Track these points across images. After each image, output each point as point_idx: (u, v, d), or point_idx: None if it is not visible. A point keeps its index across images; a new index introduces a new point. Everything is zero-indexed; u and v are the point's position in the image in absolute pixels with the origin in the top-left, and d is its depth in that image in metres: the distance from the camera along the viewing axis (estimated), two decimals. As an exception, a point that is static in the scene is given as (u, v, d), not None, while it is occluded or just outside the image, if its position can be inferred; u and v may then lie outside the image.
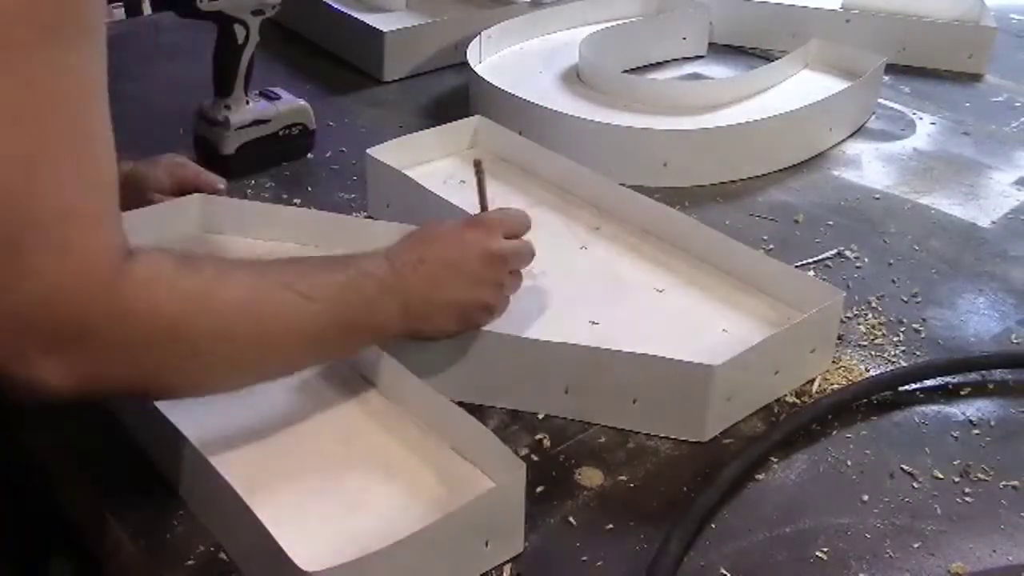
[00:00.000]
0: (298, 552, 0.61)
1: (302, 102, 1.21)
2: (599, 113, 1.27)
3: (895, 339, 0.94)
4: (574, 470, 0.78)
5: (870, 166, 1.26)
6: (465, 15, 1.53)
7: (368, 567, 0.62)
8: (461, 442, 0.76)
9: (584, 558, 0.71)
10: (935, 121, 1.38)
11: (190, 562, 0.69)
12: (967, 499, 0.77)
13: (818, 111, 1.25)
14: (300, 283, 0.69)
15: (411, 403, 0.79)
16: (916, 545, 0.73)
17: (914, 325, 0.96)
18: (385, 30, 1.42)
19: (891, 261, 1.06)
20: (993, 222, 1.14)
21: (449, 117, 1.20)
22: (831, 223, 1.12)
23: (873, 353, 0.92)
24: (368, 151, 1.08)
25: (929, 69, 1.53)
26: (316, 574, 0.60)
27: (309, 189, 1.15)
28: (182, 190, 1.04)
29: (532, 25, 1.52)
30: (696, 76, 1.49)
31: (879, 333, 0.95)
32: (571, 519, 0.74)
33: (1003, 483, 0.79)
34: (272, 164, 1.19)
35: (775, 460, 0.80)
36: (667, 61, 1.53)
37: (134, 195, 1.03)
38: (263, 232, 0.99)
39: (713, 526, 0.74)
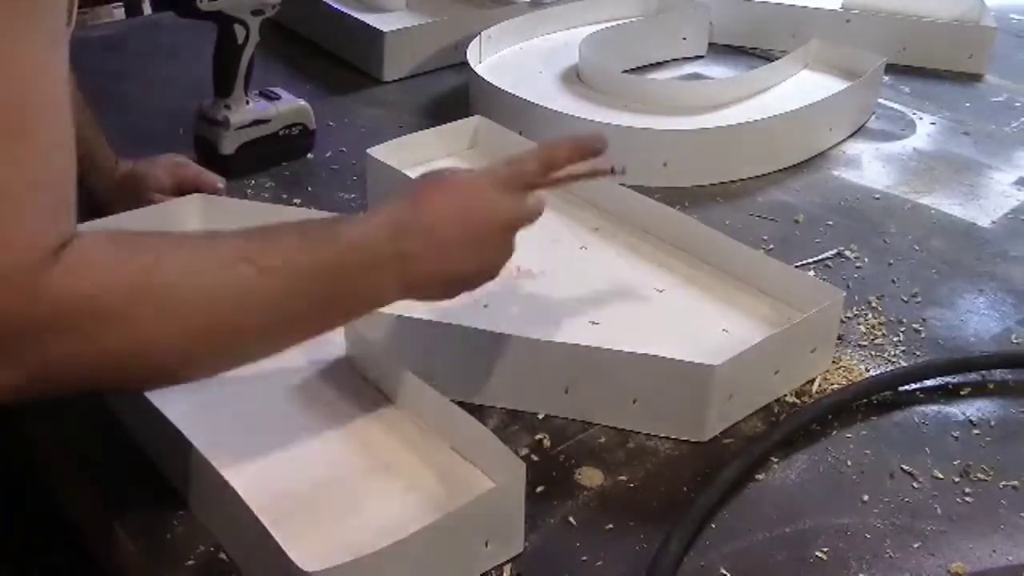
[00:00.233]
0: (298, 552, 0.61)
1: (302, 102, 1.21)
2: (599, 113, 1.27)
3: (895, 339, 0.94)
4: (574, 470, 0.78)
5: (870, 166, 1.26)
6: (465, 15, 1.53)
7: (368, 567, 0.62)
8: (461, 442, 0.76)
9: (584, 558, 0.71)
10: (935, 121, 1.38)
11: (190, 562, 0.69)
12: (967, 499, 0.77)
13: (818, 111, 1.25)
14: (260, 255, 0.62)
15: (411, 403, 0.79)
16: (916, 545, 0.73)
17: (914, 325, 0.96)
18: (385, 30, 1.42)
19: (891, 261, 1.06)
20: (993, 222, 1.14)
21: (449, 117, 1.20)
22: (831, 223, 1.12)
23: (873, 353, 0.92)
24: (368, 151, 1.08)
25: (929, 69, 1.53)
26: (316, 574, 0.60)
27: (309, 189, 1.15)
28: (182, 190, 1.04)
29: (532, 25, 1.52)
30: (696, 76, 1.49)
31: (879, 333, 0.95)
32: (571, 519, 0.74)
33: (1003, 483, 0.79)
34: (272, 164, 1.19)
35: (775, 460, 0.80)
36: (667, 61, 1.53)
37: (134, 195, 1.03)
38: (263, 232, 0.99)
39: (713, 526, 0.74)
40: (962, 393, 0.88)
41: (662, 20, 1.55)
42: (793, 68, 1.43)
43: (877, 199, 1.18)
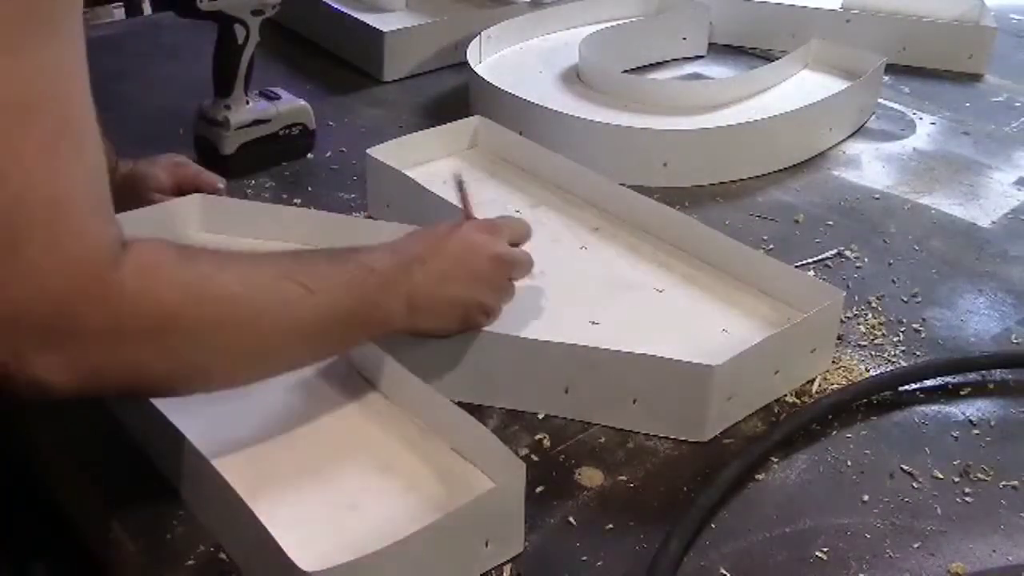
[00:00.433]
0: (298, 552, 0.61)
1: (302, 102, 1.21)
2: (599, 113, 1.27)
3: (895, 339, 0.94)
4: (574, 470, 0.78)
5: (870, 166, 1.26)
6: (465, 15, 1.53)
7: (368, 567, 0.62)
8: (461, 442, 0.76)
9: (584, 558, 0.71)
10: (935, 121, 1.38)
11: (190, 562, 0.69)
12: (967, 499, 0.77)
13: (818, 111, 1.25)
14: (300, 274, 0.68)
15: (411, 403, 0.79)
16: (916, 545, 0.73)
17: (914, 325, 0.96)
18: (385, 30, 1.42)
19: (891, 261, 1.06)
20: (993, 222, 1.14)
21: (449, 117, 1.20)
22: (831, 223, 1.12)
23: (873, 353, 0.92)
24: (368, 151, 1.08)
25: (929, 69, 1.53)
26: (316, 574, 0.60)
27: (309, 189, 1.15)
28: (182, 190, 1.04)
29: (532, 25, 1.52)
30: (696, 76, 1.49)
31: (879, 333, 0.95)
32: (571, 519, 0.74)
33: (1003, 483, 0.79)
34: (272, 164, 1.19)
35: (775, 460, 0.80)
36: (667, 61, 1.53)
37: (134, 195, 1.03)
38: (263, 232, 0.99)
39: (713, 526, 0.74)
40: (962, 393, 0.88)
41: (662, 20, 1.55)
42: (793, 68, 1.43)
43: (877, 199, 1.18)
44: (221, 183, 1.07)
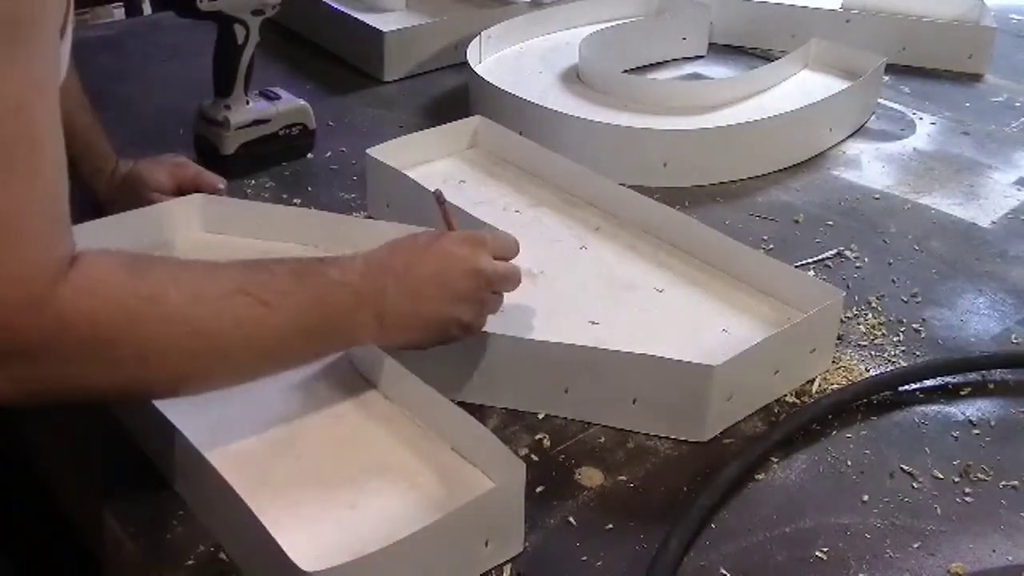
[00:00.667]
0: (298, 552, 0.61)
1: (302, 102, 1.21)
2: (599, 113, 1.27)
3: (895, 339, 0.94)
4: (574, 470, 0.78)
5: (870, 166, 1.26)
6: (465, 15, 1.54)
7: (368, 567, 0.62)
8: (461, 442, 0.76)
9: (584, 558, 0.71)
10: (935, 121, 1.38)
11: (190, 562, 0.69)
12: (967, 499, 0.77)
13: (818, 111, 1.25)
14: (258, 289, 0.66)
15: (411, 403, 0.79)
16: (916, 545, 0.73)
17: (914, 325, 0.96)
18: (385, 30, 1.42)
19: (891, 261, 1.06)
20: (993, 222, 1.15)
21: (449, 117, 1.20)
22: (831, 223, 1.12)
23: (873, 353, 0.92)
24: (368, 151, 1.08)
25: (929, 69, 1.53)
26: (316, 574, 0.60)
27: (309, 189, 1.15)
28: (182, 190, 1.04)
29: (532, 25, 1.52)
30: (696, 76, 1.49)
31: (879, 333, 0.95)
32: (571, 519, 0.74)
33: (1003, 483, 0.79)
34: (272, 164, 1.19)
35: (775, 460, 0.80)
36: (667, 61, 1.53)
37: (134, 195, 1.03)
38: (263, 232, 0.99)
39: (713, 526, 0.74)
40: (962, 393, 0.88)
41: (662, 20, 1.55)
42: (793, 68, 1.43)
43: (877, 199, 1.18)
44: (221, 183, 1.07)
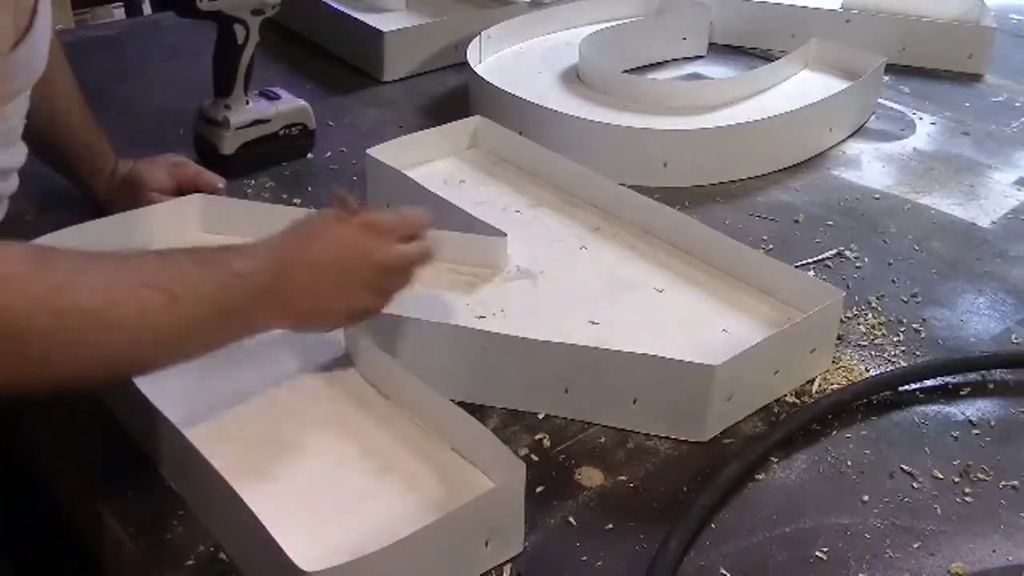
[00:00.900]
0: (298, 552, 0.61)
1: (302, 102, 1.21)
2: (599, 113, 1.27)
3: (895, 339, 0.94)
4: (574, 470, 0.78)
5: (870, 166, 1.26)
6: (465, 15, 1.54)
7: (368, 567, 0.62)
8: (461, 442, 0.76)
9: (584, 558, 0.71)
10: (935, 121, 1.38)
11: (190, 562, 0.69)
12: (967, 499, 0.77)
13: (818, 111, 1.25)
14: (165, 280, 0.67)
15: (411, 403, 0.79)
16: (916, 545, 0.73)
17: (914, 325, 0.96)
18: (385, 30, 1.42)
19: (891, 261, 1.06)
20: (993, 222, 1.14)
21: (449, 117, 1.20)
22: (831, 223, 1.12)
23: (873, 353, 0.92)
24: (368, 151, 1.08)
25: (929, 69, 1.53)
26: (316, 574, 0.60)
27: (309, 189, 1.15)
28: (182, 190, 1.04)
29: (532, 25, 1.52)
30: (696, 76, 1.49)
31: (879, 333, 0.95)
32: (571, 519, 0.74)
33: (1003, 483, 0.79)
34: (272, 164, 1.19)
35: (775, 460, 0.80)
36: (667, 61, 1.53)
37: (133, 195, 1.03)
38: (263, 232, 0.98)
39: (713, 526, 0.74)
40: (962, 393, 0.88)
41: (662, 20, 1.55)
42: (793, 68, 1.43)
43: (877, 199, 1.18)
44: (221, 183, 1.07)
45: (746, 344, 0.82)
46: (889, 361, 0.91)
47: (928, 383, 0.89)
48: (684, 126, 1.23)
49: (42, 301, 0.61)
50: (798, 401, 0.86)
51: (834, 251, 1.07)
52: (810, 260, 1.05)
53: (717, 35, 1.58)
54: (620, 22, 1.56)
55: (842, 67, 1.43)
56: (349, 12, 1.49)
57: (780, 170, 1.23)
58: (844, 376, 0.89)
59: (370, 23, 1.45)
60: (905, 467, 0.80)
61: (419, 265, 0.80)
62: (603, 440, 0.81)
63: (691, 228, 0.99)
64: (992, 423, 0.85)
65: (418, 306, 0.89)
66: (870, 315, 0.97)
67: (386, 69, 1.43)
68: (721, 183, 1.20)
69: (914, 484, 0.78)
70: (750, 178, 1.21)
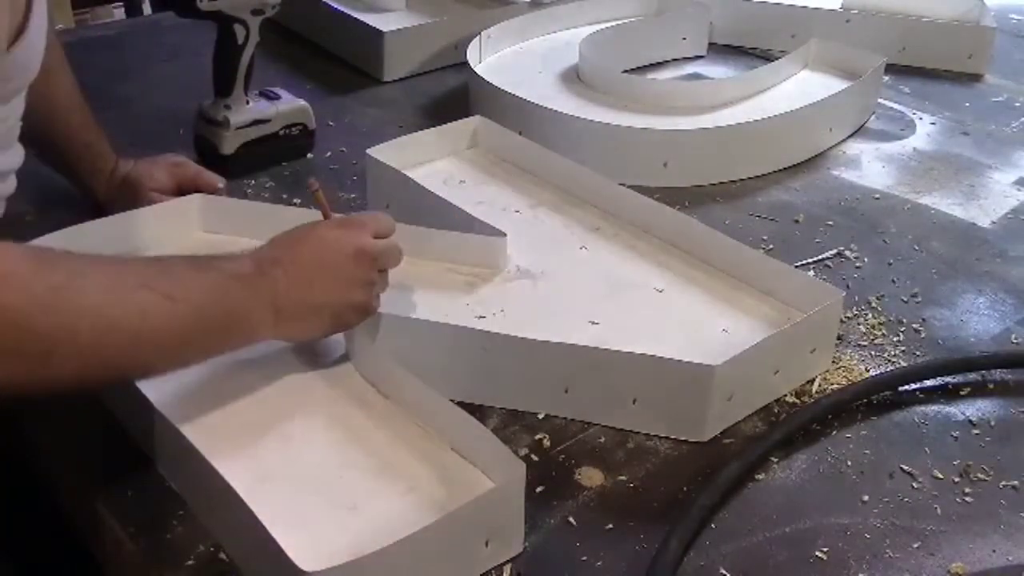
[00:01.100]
0: (298, 552, 0.61)
1: (302, 102, 1.21)
2: (599, 113, 1.27)
3: (895, 339, 0.94)
4: (574, 470, 0.78)
5: (870, 166, 1.26)
6: (465, 15, 1.54)
7: (368, 567, 0.62)
8: (461, 442, 0.75)
9: (584, 558, 0.71)
10: (935, 121, 1.38)
11: (190, 562, 0.69)
12: (967, 499, 0.77)
13: (818, 111, 1.25)
14: (163, 283, 0.68)
15: (411, 403, 0.79)
16: (916, 545, 0.73)
17: (914, 325, 0.96)
18: (385, 30, 1.42)
19: (891, 261, 1.06)
20: (993, 222, 1.15)
21: (449, 117, 1.20)
22: (831, 223, 1.12)
23: (873, 353, 0.92)
24: (368, 151, 1.08)
25: (929, 69, 1.53)
26: (316, 574, 0.60)
27: (309, 189, 1.15)
28: (182, 190, 1.04)
29: (532, 25, 1.52)
30: (696, 76, 1.49)
31: (879, 333, 0.95)
32: (571, 519, 0.74)
33: (1003, 483, 0.79)
34: (272, 164, 1.19)
35: (775, 460, 0.80)
36: (667, 61, 1.53)
37: (134, 195, 1.03)
38: (263, 232, 0.98)
39: (713, 526, 0.74)
40: (962, 393, 0.88)
41: (662, 20, 1.55)
42: (793, 68, 1.43)
43: (877, 199, 1.18)
44: (221, 183, 1.07)
45: (746, 344, 0.82)
46: (889, 361, 0.91)
47: (928, 383, 0.89)
48: (684, 126, 1.23)
49: (42, 300, 0.61)
50: (798, 401, 0.86)
51: (834, 251, 1.07)
52: (810, 260, 1.05)
53: (717, 35, 1.58)
54: (620, 22, 1.56)
55: (842, 67, 1.43)
56: (349, 12, 1.49)
57: (780, 170, 1.23)
58: (844, 376, 0.89)
59: (370, 23, 1.45)
60: (905, 467, 0.80)
61: (393, 263, 0.83)
62: (603, 440, 0.81)
63: (691, 228, 0.99)
64: (992, 423, 0.85)
65: (418, 306, 0.89)
66: (870, 315, 0.97)
67: (386, 69, 1.43)
68: (721, 183, 1.20)
69: (914, 484, 0.78)
70: (750, 178, 1.21)
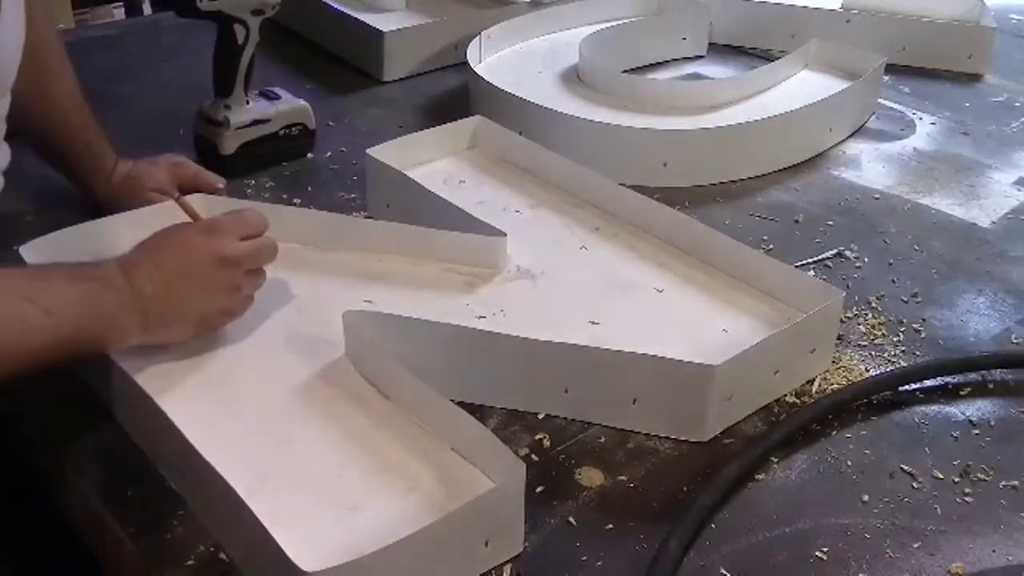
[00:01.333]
0: (298, 552, 0.61)
1: (302, 102, 1.21)
2: (599, 113, 1.27)
3: (895, 339, 0.94)
4: (574, 470, 0.78)
5: (870, 166, 1.26)
6: (465, 15, 1.54)
7: (368, 567, 0.62)
8: (461, 442, 0.75)
9: (584, 558, 0.71)
10: (935, 121, 1.38)
11: (190, 562, 0.69)
12: (967, 499, 0.77)
13: (818, 111, 1.25)
14: (41, 296, 0.70)
15: (411, 403, 0.79)
16: (916, 545, 0.73)
17: (914, 325, 0.96)
18: (385, 30, 1.42)
19: (891, 261, 1.06)
20: (993, 222, 1.14)
21: (449, 117, 1.20)
22: (831, 223, 1.12)
23: (873, 353, 0.92)
24: (368, 151, 1.08)
25: (929, 69, 1.53)
26: (316, 574, 0.60)
27: (309, 189, 1.15)
28: (182, 190, 1.04)
29: (532, 25, 1.52)
30: (696, 76, 1.49)
31: (879, 333, 0.95)
32: (571, 519, 0.74)
33: (1003, 483, 0.79)
34: (272, 164, 1.19)
35: (775, 460, 0.80)
36: (667, 61, 1.53)
37: (133, 195, 1.03)
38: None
39: (713, 526, 0.74)
40: (962, 393, 0.88)
41: (662, 20, 1.55)
42: (793, 68, 1.43)
43: (877, 199, 1.18)
44: (221, 183, 1.07)
45: (746, 344, 0.82)
46: (889, 361, 0.91)
47: (928, 383, 0.89)
48: (684, 126, 1.23)
49: None
50: (798, 401, 0.86)
51: (834, 251, 1.07)
52: (810, 260, 1.05)
53: (717, 35, 1.58)
54: (620, 22, 1.56)
55: (842, 67, 1.43)
56: (349, 12, 1.49)
57: (780, 170, 1.23)
58: (844, 376, 0.89)
59: (370, 23, 1.45)
60: (905, 467, 0.80)
61: (263, 261, 0.84)
62: (603, 440, 0.81)
63: (691, 228, 0.99)
64: (992, 423, 0.85)
65: (418, 306, 0.89)
66: (870, 315, 0.97)
67: (386, 69, 1.43)
68: (721, 183, 1.20)
69: (914, 484, 0.78)
70: (750, 178, 1.21)
